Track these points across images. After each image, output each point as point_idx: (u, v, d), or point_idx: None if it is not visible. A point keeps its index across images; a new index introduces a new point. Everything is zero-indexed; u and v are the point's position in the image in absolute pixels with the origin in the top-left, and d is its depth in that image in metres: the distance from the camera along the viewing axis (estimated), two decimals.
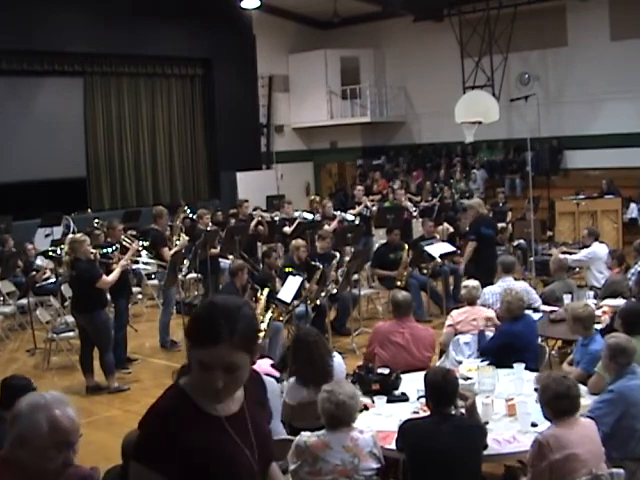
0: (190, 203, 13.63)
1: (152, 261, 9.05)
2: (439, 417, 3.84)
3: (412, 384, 4.81)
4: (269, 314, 7.43)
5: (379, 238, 12.00)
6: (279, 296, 7.69)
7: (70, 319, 8.39)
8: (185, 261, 9.32)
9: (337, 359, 4.96)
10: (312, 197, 17.73)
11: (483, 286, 6.87)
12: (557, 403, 3.64)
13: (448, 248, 9.93)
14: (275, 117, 20.72)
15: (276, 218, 12.18)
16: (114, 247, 8.23)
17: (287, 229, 11.61)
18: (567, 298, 7.05)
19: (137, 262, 9.10)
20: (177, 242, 9.57)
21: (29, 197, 15.13)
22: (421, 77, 19.46)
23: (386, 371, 4.99)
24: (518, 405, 4.30)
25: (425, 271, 9.95)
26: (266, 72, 20.16)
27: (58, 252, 9.78)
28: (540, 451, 3.56)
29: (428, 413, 4.02)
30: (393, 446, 3.95)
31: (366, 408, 4.53)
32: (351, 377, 4.96)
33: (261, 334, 2.10)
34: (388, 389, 4.83)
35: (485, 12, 17.00)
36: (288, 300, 7.64)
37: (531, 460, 3.63)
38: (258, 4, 17.92)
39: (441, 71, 18.45)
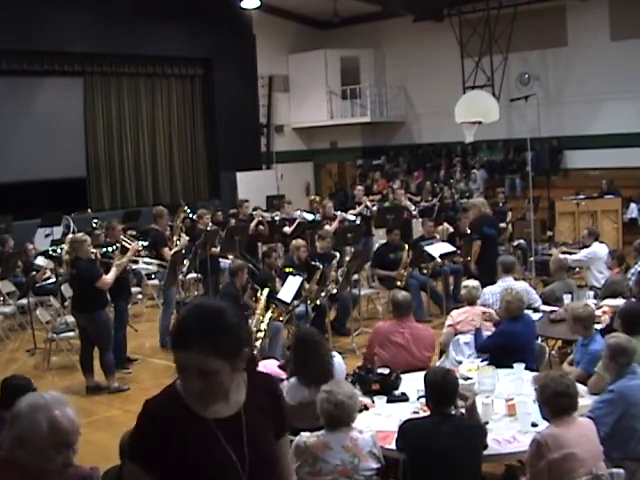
0: (190, 203, 13.63)
1: (154, 261, 9.06)
2: (439, 417, 3.84)
3: (412, 384, 4.81)
4: (269, 314, 7.43)
5: (379, 238, 12.00)
6: (279, 296, 7.69)
7: (70, 319, 8.40)
8: (185, 261, 9.32)
9: (337, 359, 4.96)
10: (312, 197, 17.75)
11: (484, 286, 6.88)
12: (556, 401, 3.64)
13: (448, 248, 9.92)
14: (275, 117, 20.72)
15: (276, 218, 12.18)
16: (114, 247, 8.23)
17: (287, 229, 11.62)
18: (567, 298, 7.05)
19: (137, 262, 9.11)
20: (177, 242, 9.57)
21: (29, 197, 15.13)
22: (421, 77, 19.46)
23: (386, 371, 4.99)
24: (518, 405, 4.30)
25: (425, 271, 9.95)
26: (266, 72, 20.16)
27: (59, 252, 9.78)
28: (538, 451, 3.56)
29: (428, 413, 4.02)
30: (393, 446, 3.95)
31: (366, 408, 4.53)
32: (351, 377, 4.96)
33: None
34: (388, 389, 4.83)
35: (485, 12, 17.01)
36: (288, 300, 7.64)
37: (530, 460, 3.64)
38: (258, 4, 17.93)
39: (441, 71, 18.45)
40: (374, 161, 20.73)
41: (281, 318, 7.79)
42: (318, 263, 8.51)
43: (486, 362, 5.37)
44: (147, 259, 9.10)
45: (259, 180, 18.90)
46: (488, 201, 10.98)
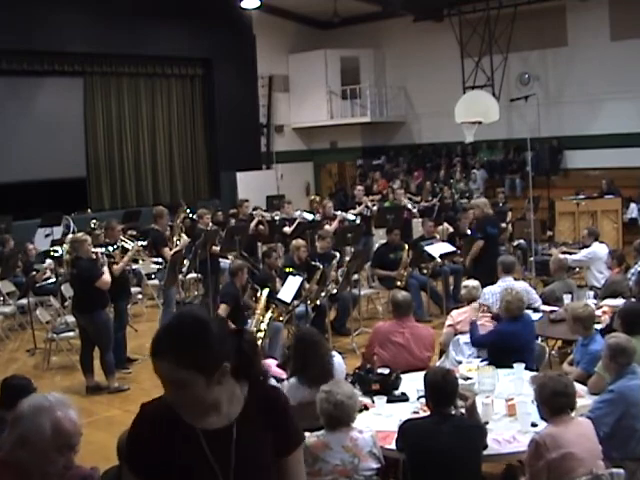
0: (190, 203, 13.63)
1: (159, 259, 9.07)
2: (439, 417, 3.84)
3: (412, 384, 4.81)
4: (269, 314, 7.44)
5: (379, 238, 12.00)
6: (279, 296, 7.69)
7: (70, 319, 8.40)
8: (185, 261, 9.32)
9: (337, 359, 4.96)
10: (312, 197, 17.74)
11: (484, 286, 6.88)
12: (555, 400, 3.65)
13: (448, 248, 9.92)
14: (275, 117, 20.72)
15: (276, 218, 12.18)
16: (115, 247, 8.22)
17: (287, 229, 11.61)
18: (567, 298, 7.05)
19: (137, 262, 9.11)
20: (177, 242, 9.57)
21: (29, 197, 15.13)
22: (421, 77, 19.45)
23: (386, 371, 4.99)
24: (518, 405, 4.30)
25: (425, 271, 9.95)
26: (266, 72, 20.16)
27: (59, 252, 9.77)
28: (537, 451, 3.57)
29: (428, 413, 4.03)
30: (393, 446, 3.95)
31: (366, 408, 4.53)
32: (351, 377, 4.96)
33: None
34: (388, 389, 4.83)
35: (485, 12, 17.00)
36: (288, 300, 7.64)
37: (529, 460, 3.64)
38: (258, 4, 17.92)
39: (441, 71, 18.45)
40: (374, 161, 20.72)
41: (281, 318, 7.79)
42: (318, 263, 8.51)
43: (486, 362, 5.37)
44: (153, 259, 9.12)
45: (259, 180, 18.90)
46: (488, 201, 10.98)
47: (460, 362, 5.64)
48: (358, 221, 11.90)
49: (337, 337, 8.90)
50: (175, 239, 10.05)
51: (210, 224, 10.77)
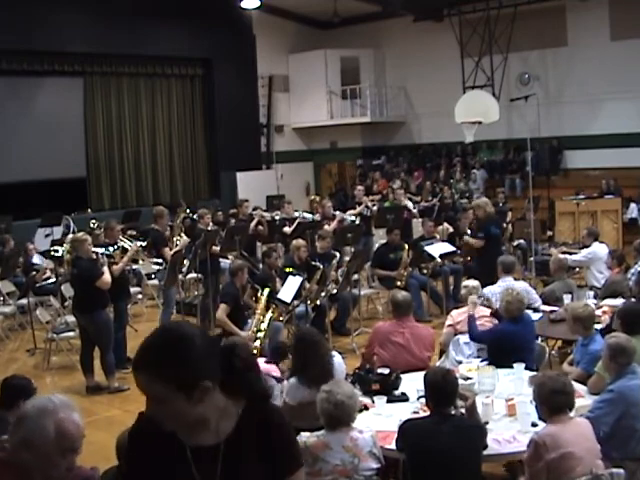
0: (190, 203, 13.63)
1: (159, 260, 9.07)
2: (439, 417, 3.84)
3: (412, 384, 4.81)
4: (269, 314, 7.44)
5: (379, 238, 12.00)
6: (279, 296, 7.69)
7: (70, 319, 8.40)
8: (185, 261, 9.32)
9: (337, 359, 4.97)
10: (312, 197, 17.75)
11: (484, 286, 6.88)
12: (553, 399, 3.65)
13: (448, 248, 9.92)
14: (275, 117, 20.72)
15: (276, 218, 12.18)
16: (115, 247, 8.22)
17: (287, 229, 11.61)
18: (567, 298, 7.05)
19: (137, 262, 9.10)
20: (177, 242, 9.57)
21: (29, 197, 15.13)
22: (421, 77, 19.45)
23: (386, 371, 4.99)
24: (518, 405, 4.30)
25: (425, 271, 9.95)
26: (266, 72, 20.16)
27: (60, 252, 9.77)
28: (537, 451, 3.57)
29: (428, 413, 4.03)
30: (393, 446, 3.95)
31: (366, 408, 4.53)
32: (351, 377, 4.96)
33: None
34: (388, 389, 4.83)
35: (485, 12, 17.00)
36: (288, 300, 7.64)
37: (528, 460, 3.65)
38: (258, 4, 17.92)
39: (441, 71, 18.44)
40: (374, 161, 20.72)
41: (281, 318, 7.80)
42: (318, 263, 8.51)
43: (486, 362, 5.37)
44: (153, 259, 9.12)
45: (259, 180, 18.89)
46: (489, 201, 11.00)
47: (460, 362, 5.64)
48: (357, 221, 11.91)
49: (337, 337, 8.90)
50: (175, 239, 10.04)
51: (210, 224, 10.77)
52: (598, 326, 5.63)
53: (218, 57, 18.71)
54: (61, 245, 10.21)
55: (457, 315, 6.21)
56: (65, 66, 16.49)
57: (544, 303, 7.15)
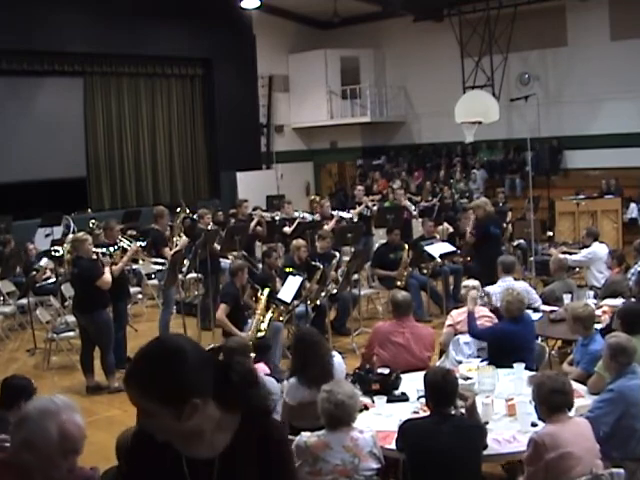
0: (190, 203, 13.62)
1: (159, 259, 9.07)
2: (439, 417, 3.85)
3: (412, 384, 4.81)
4: (269, 314, 7.44)
5: (379, 238, 12.00)
6: (279, 296, 7.69)
7: (70, 319, 8.40)
8: (185, 261, 9.32)
9: (337, 359, 4.97)
10: (312, 197, 17.73)
11: (484, 286, 6.88)
12: (553, 398, 3.65)
13: (448, 248, 9.92)
14: (275, 117, 20.72)
15: (276, 218, 12.17)
16: (115, 248, 8.21)
17: (287, 229, 11.61)
18: (567, 298, 7.05)
19: (137, 262, 9.09)
20: (177, 242, 9.56)
21: (29, 197, 15.13)
22: (421, 77, 19.45)
23: (386, 371, 5.00)
24: (518, 405, 4.30)
25: (425, 271, 9.95)
26: (266, 72, 20.16)
27: (60, 252, 9.76)
28: (536, 451, 3.57)
29: (428, 413, 4.03)
30: (393, 446, 3.95)
31: (366, 408, 4.54)
32: (351, 377, 4.96)
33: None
34: (388, 389, 4.83)
35: (485, 12, 17.00)
36: (288, 300, 7.64)
37: (527, 460, 3.65)
38: (258, 4, 17.92)
39: (441, 71, 18.44)
40: (374, 161, 20.72)
41: (281, 318, 7.80)
42: (318, 263, 8.51)
43: (486, 362, 5.37)
44: (153, 259, 9.11)
45: (259, 180, 18.89)
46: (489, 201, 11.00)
47: (460, 362, 5.63)
48: (355, 218, 11.91)
49: (337, 337, 8.89)
50: (175, 239, 10.04)
51: (210, 224, 10.77)
52: (598, 326, 5.63)
53: (218, 57, 18.71)
54: (61, 245, 10.21)
55: (457, 315, 6.21)
56: (65, 66, 16.49)
57: (544, 303, 7.15)
